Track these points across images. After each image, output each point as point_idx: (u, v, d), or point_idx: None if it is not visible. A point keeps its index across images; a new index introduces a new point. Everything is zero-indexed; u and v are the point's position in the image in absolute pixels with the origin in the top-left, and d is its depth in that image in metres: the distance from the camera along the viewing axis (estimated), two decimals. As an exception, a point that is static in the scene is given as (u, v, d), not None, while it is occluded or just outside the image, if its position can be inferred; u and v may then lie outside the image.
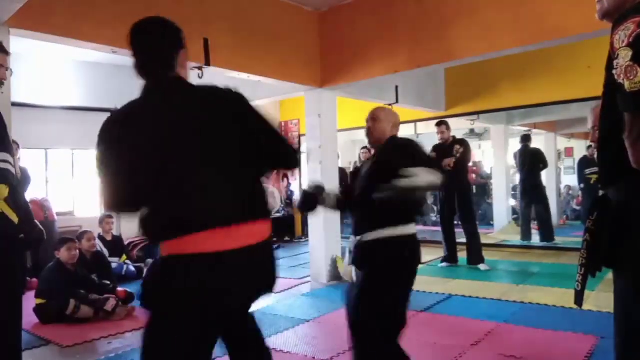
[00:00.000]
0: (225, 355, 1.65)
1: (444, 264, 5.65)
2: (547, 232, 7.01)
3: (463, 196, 5.48)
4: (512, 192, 10.40)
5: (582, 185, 8.32)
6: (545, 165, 7.33)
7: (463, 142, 5.53)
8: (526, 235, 7.27)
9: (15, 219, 2.13)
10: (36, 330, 3.64)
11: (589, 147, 8.46)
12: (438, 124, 5.60)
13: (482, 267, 5.36)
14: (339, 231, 5.44)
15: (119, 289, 4.21)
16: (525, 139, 7.43)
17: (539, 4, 3.67)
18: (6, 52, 2.34)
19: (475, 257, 5.44)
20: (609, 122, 1.21)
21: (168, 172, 1.35)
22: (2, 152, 2.05)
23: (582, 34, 3.53)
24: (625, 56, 1.06)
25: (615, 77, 1.08)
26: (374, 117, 2.29)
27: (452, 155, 5.29)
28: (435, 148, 5.53)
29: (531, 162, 7.18)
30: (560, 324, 3.32)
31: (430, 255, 6.40)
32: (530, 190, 7.13)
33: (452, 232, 5.67)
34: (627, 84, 1.05)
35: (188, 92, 1.47)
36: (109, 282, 4.20)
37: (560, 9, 3.54)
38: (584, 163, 8.26)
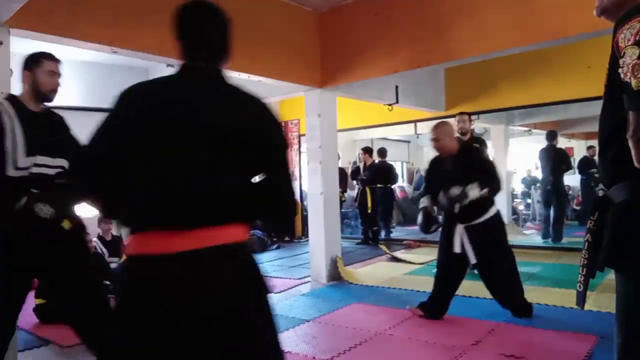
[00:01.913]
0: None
1: None
2: (558, 233, 7.03)
3: None
4: (523, 190, 10.35)
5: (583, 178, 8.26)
6: (568, 167, 7.20)
7: (480, 141, 5.39)
8: (547, 234, 7.22)
9: None
10: (36, 330, 3.64)
11: (590, 147, 8.46)
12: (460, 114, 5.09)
13: None
14: (339, 231, 5.43)
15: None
16: (552, 137, 7.15)
17: (539, 4, 3.67)
18: (57, 60, 2.43)
19: None
20: (611, 122, 1.21)
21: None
22: None
23: (582, 34, 3.52)
24: (632, 54, 1.05)
25: (622, 75, 1.07)
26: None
27: None
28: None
29: (555, 162, 7.04)
30: (560, 324, 3.32)
31: (430, 255, 6.40)
32: (553, 191, 7.07)
33: None
34: (634, 83, 1.04)
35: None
36: (109, 283, 4.19)
37: (560, 9, 3.54)
38: (585, 163, 8.27)
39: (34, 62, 2.36)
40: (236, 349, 1.18)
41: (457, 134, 5.33)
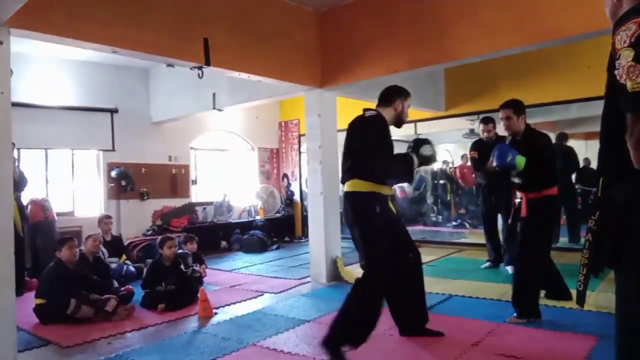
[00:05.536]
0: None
1: (487, 265, 5.48)
2: (574, 232, 6.89)
3: (508, 193, 4.93)
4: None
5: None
6: (576, 165, 7.07)
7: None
8: (555, 236, 7.08)
9: None
10: (36, 330, 3.63)
11: None
12: (485, 121, 5.26)
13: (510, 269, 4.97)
14: (339, 231, 5.43)
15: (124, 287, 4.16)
16: (562, 137, 6.99)
17: (539, 4, 3.67)
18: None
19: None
20: (611, 123, 1.21)
21: None
22: None
23: (582, 34, 3.52)
24: (627, 56, 1.05)
25: (617, 77, 1.08)
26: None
27: None
28: (478, 145, 5.28)
29: (563, 161, 6.91)
30: (560, 324, 3.32)
31: (430, 255, 6.40)
32: (563, 191, 6.95)
33: (495, 231, 5.44)
34: (629, 85, 1.05)
35: None
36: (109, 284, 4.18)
37: (560, 9, 3.54)
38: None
39: (405, 95, 3.30)
40: None
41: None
